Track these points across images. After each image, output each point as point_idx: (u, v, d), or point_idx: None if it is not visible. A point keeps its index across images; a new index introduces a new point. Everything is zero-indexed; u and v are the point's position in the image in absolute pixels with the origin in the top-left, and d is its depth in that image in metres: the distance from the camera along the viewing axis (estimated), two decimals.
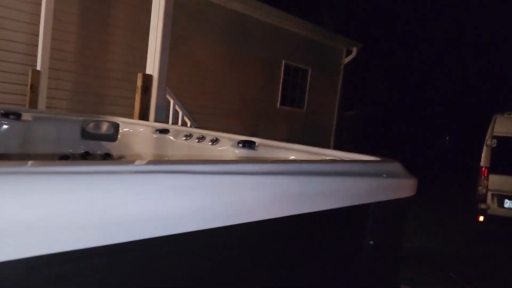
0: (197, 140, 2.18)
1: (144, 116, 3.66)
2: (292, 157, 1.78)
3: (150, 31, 3.73)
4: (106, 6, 6.14)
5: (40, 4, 5.13)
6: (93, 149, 2.61)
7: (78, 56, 5.86)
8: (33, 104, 5.15)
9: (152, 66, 3.71)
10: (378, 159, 1.54)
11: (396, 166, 1.47)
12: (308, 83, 9.97)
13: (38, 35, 5.14)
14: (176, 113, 4.19)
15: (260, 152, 1.90)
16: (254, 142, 1.93)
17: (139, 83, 3.66)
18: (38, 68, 5.19)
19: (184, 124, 4.25)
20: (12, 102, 5.21)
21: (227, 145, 2.01)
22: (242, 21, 8.05)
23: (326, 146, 10.90)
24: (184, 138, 2.25)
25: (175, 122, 4.16)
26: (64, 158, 2.53)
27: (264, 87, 8.84)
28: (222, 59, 7.77)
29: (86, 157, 2.59)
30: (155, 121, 3.67)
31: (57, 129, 2.51)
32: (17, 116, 2.35)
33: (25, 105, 5.17)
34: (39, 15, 5.13)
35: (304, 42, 9.55)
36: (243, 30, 8.10)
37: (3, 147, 2.28)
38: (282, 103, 9.36)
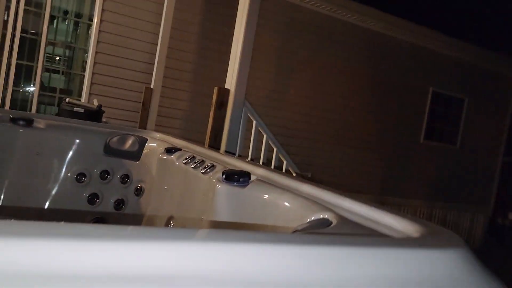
0: (193, 165, 1.53)
1: (217, 133, 3.18)
2: (286, 203, 1.01)
3: (233, 42, 3.27)
4: (227, 26, 6.00)
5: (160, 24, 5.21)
6: (114, 168, 2.17)
7: (193, 75, 5.78)
8: (144, 121, 5.17)
9: (231, 79, 3.21)
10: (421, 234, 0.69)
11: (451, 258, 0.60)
12: (463, 115, 8.35)
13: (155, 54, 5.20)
14: (259, 135, 3.59)
15: (248, 192, 1.16)
16: (246, 176, 1.20)
17: (214, 97, 3.20)
18: (152, 86, 5.22)
19: (267, 147, 3.61)
20: (125, 118, 5.33)
21: (215, 176, 1.32)
22: (380, 41, 7.11)
23: (485, 194, 8.93)
24: (184, 162, 1.62)
25: (257, 144, 3.55)
26: (80, 177, 2.14)
27: (405, 116, 7.63)
28: (352, 82, 6.93)
29: (104, 177, 2.16)
30: (229, 139, 3.15)
31: (76, 140, 2.15)
32: (28, 122, 2.05)
33: (137, 122, 5.23)
34: (158, 34, 5.19)
35: (459, 66, 8.04)
36: (380, 51, 7.14)
37: (7, 158, 1.99)
38: (426, 137, 7.97)
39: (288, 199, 1.03)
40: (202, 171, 1.43)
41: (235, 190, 1.19)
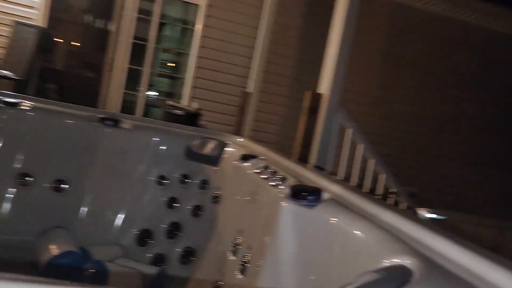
0: (265, 176, 1.36)
1: (307, 140, 2.98)
2: (359, 233, 0.79)
3: (328, 44, 3.06)
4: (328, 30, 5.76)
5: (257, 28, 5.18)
6: (193, 172, 2.10)
7: (291, 80, 5.64)
8: (239, 125, 5.17)
9: (325, 84, 3.00)
10: None
11: None
12: None
13: (252, 58, 5.19)
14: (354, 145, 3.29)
15: (315, 213, 0.95)
16: (317, 194, 1.00)
17: (306, 103, 3.01)
18: (250, 90, 5.20)
19: (363, 157, 3.26)
20: (222, 122, 5.38)
21: (284, 191, 1.13)
22: (500, 42, 6.26)
23: None
24: (257, 171, 1.46)
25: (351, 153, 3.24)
26: (161, 179, 2.11)
27: None
28: (466, 88, 6.19)
29: (184, 181, 2.10)
30: (320, 147, 2.93)
31: (158, 142, 2.12)
32: (115, 122, 2.07)
33: (233, 126, 5.25)
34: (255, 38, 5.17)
35: None
36: (502, 55, 6.28)
37: (93, 157, 2.03)
38: None
39: (362, 228, 0.81)
40: (271, 183, 1.25)
41: (301, 210, 0.99)
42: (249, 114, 5.22)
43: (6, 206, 1.86)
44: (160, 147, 2.11)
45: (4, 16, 4.88)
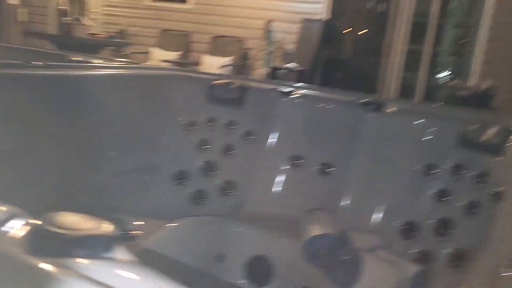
0: None
1: None
2: None
3: None
4: None
5: None
6: (467, 163, 1.78)
7: None
8: None
9: None
10: None
11: None
12: None
13: None
14: None
15: None
16: None
17: None
18: None
19: None
20: None
21: None
22: None
23: None
24: None
25: None
26: (428, 169, 1.89)
27: None
28: None
29: (456, 173, 1.81)
30: None
31: (427, 128, 1.90)
32: (378, 106, 1.98)
33: None
34: None
35: None
36: None
37: (355, 144, 2.00)
38: None
39: None
40: None
41: None
42: None
43: (280, 183, 2.07)
44: (427, 133, 1.88)
45: (294, 15, 5.49)
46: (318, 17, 5.28)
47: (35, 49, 2.93)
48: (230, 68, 6.24)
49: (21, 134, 1.47)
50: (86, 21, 4.95)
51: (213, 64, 6.39)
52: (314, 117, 2.08)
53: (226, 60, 6.45)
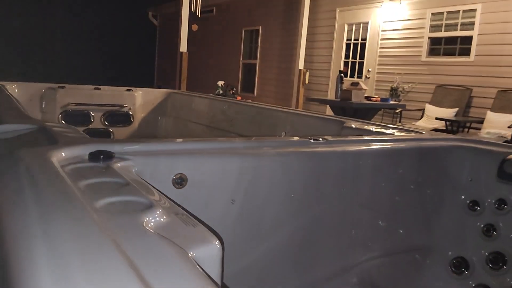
0: None
1: None
2: None
3: None
4: None
5: None
6: None
7: None
8: None
9: None
10: None
11: None
12: None
13: None
14: None
15: None
16: None
17: None
18: None
19: None
20: None
21: None
22: None
23: None
24: None
25: None
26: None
27: None
28: None
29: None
30: None
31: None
32: None
33: None
34: None
35: None
36: None
37: None
38: None
39: None
40: None
41: None
42: None
43: None
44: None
45: None
46: None
47: (316, 114, 3.17)
48: None
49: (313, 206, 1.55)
50: (363, 84, 5.16)
51: (499, 121, 5.60)
52: None
53: None
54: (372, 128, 2.33)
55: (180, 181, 1.31)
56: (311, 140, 1.69)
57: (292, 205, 1.56)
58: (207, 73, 12.19)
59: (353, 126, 2.45)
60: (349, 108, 4.55)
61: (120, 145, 1.25)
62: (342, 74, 5.26)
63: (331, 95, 8.89)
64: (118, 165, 1.12)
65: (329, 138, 1.76)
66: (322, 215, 1.64)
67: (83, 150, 1.15)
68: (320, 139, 1.73)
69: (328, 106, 6.52)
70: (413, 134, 2.18)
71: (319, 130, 2.80)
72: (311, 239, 1.62)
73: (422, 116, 6.83)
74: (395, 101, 6.69)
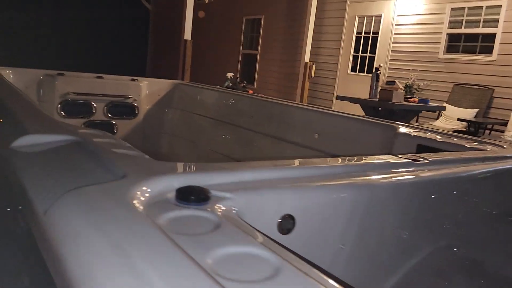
0: None
1: None
2: None
3: None
4: None
5: None
6: None
7: None
8: None
9: None
10: None
11: None
12: None
13: None
14: None
15: None
16: None
17: None
18: None
19: None
20: None
21: None
22: None
23: None
24: None
25: None
26: None
27: None
28: None
29: None
30: None
31: None
32: None
33: None
34: None
35: None
36: None
37: None
38: None
39: None
40: None
41: None
42: None
43: None
44: None
45: None
46: None
47: (356, 116, 2.80)
48: None
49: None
50: (399, 84, 4.79)
51: None
52: None
53: None
54: (446, 139, 1.97)
55: (286, 225, 0.93)
56: (416, 162, 1.32)
57: (405, 244, 1.21)
58: (204, 63, 11.70)
59: (411, 133, 2.10)
60: (387, 109, 4.18)
61: (210, 175, 0.86)
62: (379, 72, 4.89)
63: (339, 90, 8.53)
64: (215, 207, 0.75)
65: (429, 157, 1.38)
66: (435, 256, 1.28)
67: (166, 184, 0.77)
68: (420, 159, 1.35)
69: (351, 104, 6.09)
70: (495, 148, 1.82)
71: (360, 135, 2.45)
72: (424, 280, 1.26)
73: (438, 116, 6.52)
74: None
